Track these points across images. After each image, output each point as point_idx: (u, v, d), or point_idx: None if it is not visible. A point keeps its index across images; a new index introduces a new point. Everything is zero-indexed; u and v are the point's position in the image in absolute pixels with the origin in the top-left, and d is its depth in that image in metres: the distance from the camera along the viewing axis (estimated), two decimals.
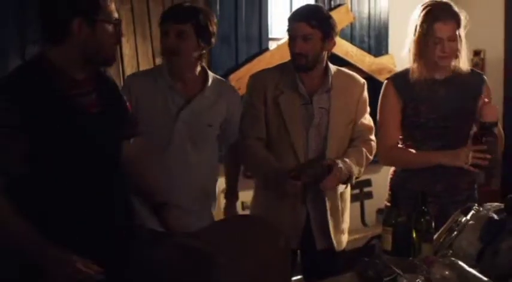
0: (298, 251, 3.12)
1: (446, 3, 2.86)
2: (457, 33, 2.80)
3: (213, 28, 2.82)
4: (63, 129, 1.94)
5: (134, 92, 2.83)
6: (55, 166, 1.93)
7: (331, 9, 4.96)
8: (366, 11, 5.25)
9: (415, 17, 2.84)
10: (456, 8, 2.85)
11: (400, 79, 2.95)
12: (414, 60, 2.86)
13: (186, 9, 2.82)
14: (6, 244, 1.88)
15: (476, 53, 5.66)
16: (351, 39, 5.14)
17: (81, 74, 2.05)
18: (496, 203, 2.46)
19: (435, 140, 2.86)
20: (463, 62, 2.86)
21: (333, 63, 3.09)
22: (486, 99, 2.79)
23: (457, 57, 2.85)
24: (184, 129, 2.82)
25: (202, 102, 2.86)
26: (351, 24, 5.14)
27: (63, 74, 1.99)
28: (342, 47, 4.97)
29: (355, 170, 2.95)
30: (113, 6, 2.04)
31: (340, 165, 2.86)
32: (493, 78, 5.66)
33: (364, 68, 5.10)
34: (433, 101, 2.86)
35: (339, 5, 5.04)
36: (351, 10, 5.11)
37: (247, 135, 2.99)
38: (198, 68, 2.88)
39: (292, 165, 2.88)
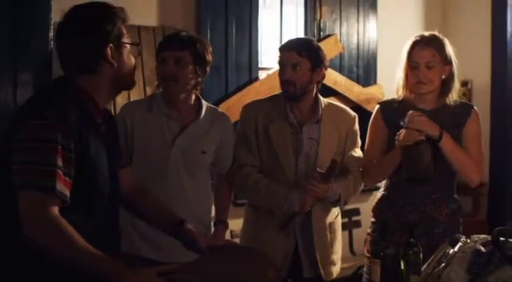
0: (289, 280, 3.13)
1: (433, 35, 2.92)
2: (439, 63, 2.85)
3: (209, 57, 2.88)
4: (96, 156, 1.96)
5: (129, 121, 2.87)
6: (76, 192, 1.91)
7: (320, 39, 5.01)
8: (354, 41, 5.31)
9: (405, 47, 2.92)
10: (445, 42, 2.90)
11: (388, 106, 3.01)
12: (402, 89, 2.92)
13: (184, 37, 2.87)
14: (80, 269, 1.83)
15: (464, 83, 5.72)
16: (340, 69, 5.19)
17: (105, 102, 2.09)
18: (483, 235, 2.47)
19: None
20: (454, 97, 2.92)
21: (322, 93, 3.14)
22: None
23: (446, 93, 2.89)
24: (179, 156, 2.85)
25: (196, 129, 2.90)
26: (340, 54, 5.19)
27: (93, 102, 2.02)
28: (331, 76, 5.01)
29: (343, 195, 2.99)
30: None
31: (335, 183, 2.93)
32: (480, 108, 5.59)
33: (353, 98, 5.15)
34: None
35: (328, 36, 5.11)
36: (340, 41, 5.17)
37: (242, 163, 3.04)
38: (193, 97, 2.92)
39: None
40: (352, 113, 3.15)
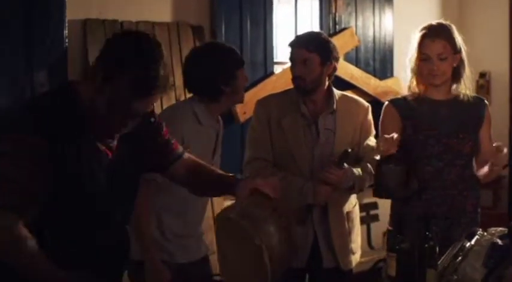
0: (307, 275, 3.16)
1: (441, 24, 2.89)
2: (450, 53, 2.82)
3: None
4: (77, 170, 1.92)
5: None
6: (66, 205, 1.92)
7: (336, 33, 5.00)
8: (370, 34, 5.28)
9: (414, 38, 2.89)
10: (453, 30, 2.87)
11: (400, 100, 2.99)
12: (413, 79, 2.90)
13: None
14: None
15: (482, 74, 5.68)
16: (356, 63, 5.16)
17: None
18: (500, 228, 2.46)
19: (434, 158, 2.86)
20: (466, 87, 2.89)
21: (338, 86, 3.14)
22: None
23: (457, 80, 2.87)
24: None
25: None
26: (356, 47, 5.17)
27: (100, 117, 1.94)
28: (347, 70, 4.99)
29: (358, 181, 3.00)
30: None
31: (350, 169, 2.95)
32: (499, 100, 5.69)
33: (370, 91, 5.12)
34: (434, 118, 2.88)
35: (344, 29, 5.08)
36: (356, 34, 5.15)
37: (255, 157, 3.05)
38: None
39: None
40: (366, 104, 3.18)
